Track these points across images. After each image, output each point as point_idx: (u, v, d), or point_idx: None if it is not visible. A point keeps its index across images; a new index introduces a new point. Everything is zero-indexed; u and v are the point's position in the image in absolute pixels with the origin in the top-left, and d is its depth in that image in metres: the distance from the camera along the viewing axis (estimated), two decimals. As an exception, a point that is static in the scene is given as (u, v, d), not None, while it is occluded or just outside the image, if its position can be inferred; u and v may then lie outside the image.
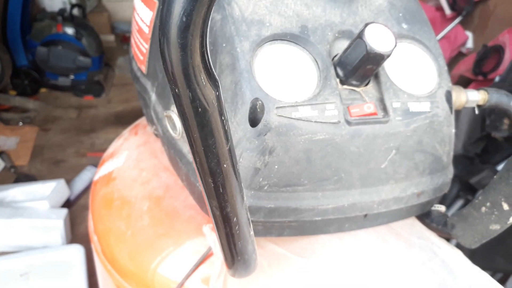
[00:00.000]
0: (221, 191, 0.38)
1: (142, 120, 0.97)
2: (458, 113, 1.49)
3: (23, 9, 2.86)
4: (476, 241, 0.60)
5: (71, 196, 2.22)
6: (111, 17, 3.97)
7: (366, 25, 0.49)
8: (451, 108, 0.59)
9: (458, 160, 1.68)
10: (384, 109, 0.54)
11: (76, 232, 2.07)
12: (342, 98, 0.53)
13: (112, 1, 4.04)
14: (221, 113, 0.34)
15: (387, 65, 0.56)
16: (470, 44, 2.24)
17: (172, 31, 0.29)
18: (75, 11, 3.12)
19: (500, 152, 1.55)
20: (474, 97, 0.68)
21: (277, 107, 0.50)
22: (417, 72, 0.58)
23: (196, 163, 0.37)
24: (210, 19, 0.29)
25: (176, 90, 0.31)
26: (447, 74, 0.60)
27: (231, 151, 0.37)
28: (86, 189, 2.30)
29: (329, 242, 0.61)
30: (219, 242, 0.45)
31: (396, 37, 0.50)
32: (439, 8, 2.25)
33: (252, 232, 0.45)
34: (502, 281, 1.54)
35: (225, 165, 0.37)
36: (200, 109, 0.33)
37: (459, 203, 1.59)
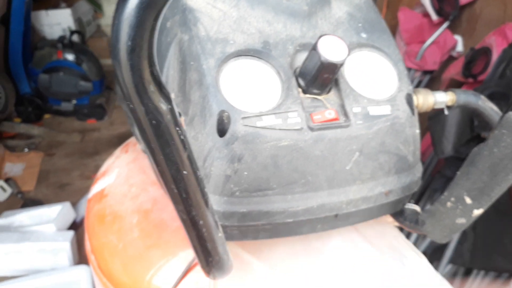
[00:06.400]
0: (185, 196, 0.42)
1: (133, 139, 1.01)
2: (445, 116, 1.51)
3: (24, 38, 2.94)
4: (445, 236, 0.63)
5: (77, 218, 2.24)
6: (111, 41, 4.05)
7: (320, 37, 0.53)
8: (412, 109, 0.62)
9: (451, 162, 1.70)
10: (345, 114, 0.58)
11: (83, 253, 2.10)
12: (304, 106, 0.56)
13: (110, 25, 4.13)
14: (176, 124, 0.38)
15: (347, 73, 0.60)
16: (460, 47, 2.27)
17: (121, 54, 0.33)
18: (75, 38, 3.20)
19: (492, 151, 1.56)
20: (442, 98, 0.72)
21: (242, 118, 0.54)
22: (377, 78, 0.62)
23: (159, 172, 0.41)
24: (154, 39, 0.33)
25: (131, 106, 0.35)
26: (407, 78, 0.63)
27: (190, 158, 0.40)
28: (91, 211, 2.33)
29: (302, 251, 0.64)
30: (191, 246, 0.48)
31: (349, 46, 0.54)
32: (426, 15, 2.29)
33: (220, 234, 0.48)
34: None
35: (185, 172, 0.40)
36: (154, 122, 0.36)
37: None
